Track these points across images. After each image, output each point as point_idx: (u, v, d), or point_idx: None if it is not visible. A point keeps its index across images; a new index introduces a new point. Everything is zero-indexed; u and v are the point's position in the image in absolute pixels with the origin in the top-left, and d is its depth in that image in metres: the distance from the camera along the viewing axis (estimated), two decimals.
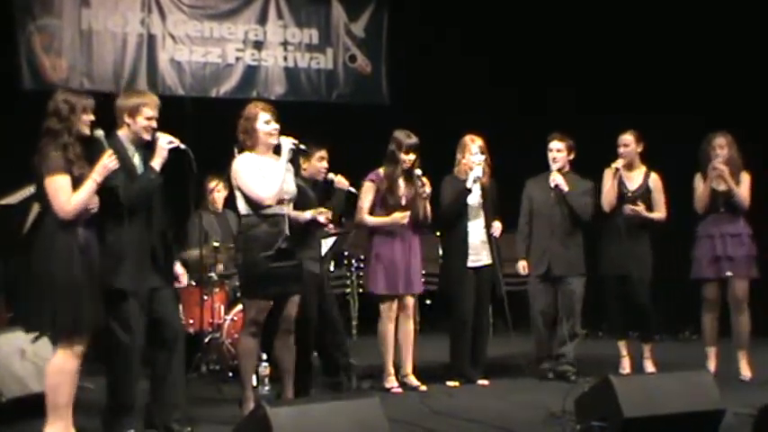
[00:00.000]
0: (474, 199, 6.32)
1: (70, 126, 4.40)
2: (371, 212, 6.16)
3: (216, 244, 6.91)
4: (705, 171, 6.41)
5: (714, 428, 4.51)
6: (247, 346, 5.21)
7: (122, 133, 4.75)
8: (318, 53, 9.62)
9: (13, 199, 5.90)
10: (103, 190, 4.47)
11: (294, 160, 5.42)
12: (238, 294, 6.45)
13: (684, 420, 4.43)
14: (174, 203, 5.10)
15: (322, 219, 5.67)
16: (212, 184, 7.19)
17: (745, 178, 6.40)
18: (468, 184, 6.23)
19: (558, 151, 6.52)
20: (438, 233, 6.89)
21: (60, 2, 8.64)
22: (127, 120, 4.73)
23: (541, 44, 9.22)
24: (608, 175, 6.54)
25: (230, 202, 6.45)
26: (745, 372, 6.36)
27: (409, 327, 6.29)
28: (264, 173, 5.13)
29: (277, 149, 5.23)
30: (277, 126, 5.21)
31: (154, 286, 4.75)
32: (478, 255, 6.35)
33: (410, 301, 6.28)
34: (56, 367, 4.40)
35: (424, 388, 6.11)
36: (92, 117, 4.49)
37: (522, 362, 6.60)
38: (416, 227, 6.22)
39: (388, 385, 6.13)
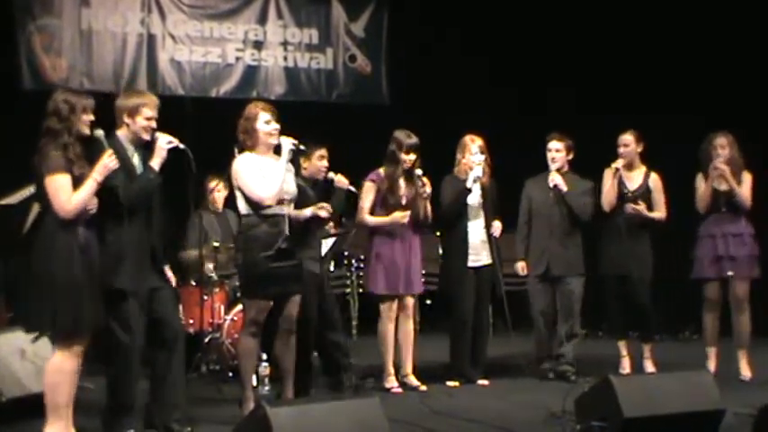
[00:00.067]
0: (474, 199, 6.32)
1: (70, 126, 4.40)
2: (372, 212, 6.16)
3: (216, 244, 6.91)
4: (706, 171, 6.41)
5: (714, 428, 4.51)
6: (247, 346, 5.21)
7: (122, 133, 4.75)
8: (318, 53, 9.62)
9: (13, 199, 5.90)
10: (103, 190, 4.47)
11: (294, 160, 5.42)
12: (238, 294, 6.45)
13: (684, 420, 4.43)
14: (174, 203, 5.11)
15: (323, 213, 5.66)
16: (212, 184, 7.19)
17: (747, 178, 6.40)
18: (468, 184, 6.23)
19: (556, 151, 6.52)
20: (438, 233, 6.89)
21: (60, 2, 8.63)
22: (126, 120, 4.73)
23: (541, 44, 9.21)
24: (608, 175, 6.54)
25: (230, 202, 6.46)
26: (745, 372, 6.36)
27: (409, 327, 6.29)
28: (265, 173, 5.13)
29: (277, 149, 5.23)
30: (277, 126, 5.22)
31: (154, 286, 4.76)
32: (478, 255, 6.35)
33: (410, 301, 6.28)
34: (55, 367, 4.40)
35: (424, 388, 6.11)
36: (92, 117, 4.49)
37: (522, 362, 6.60)
38: (417, 227, 6.22)
39: (388, 385, 6.13)
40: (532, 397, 5.77)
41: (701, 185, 6.45)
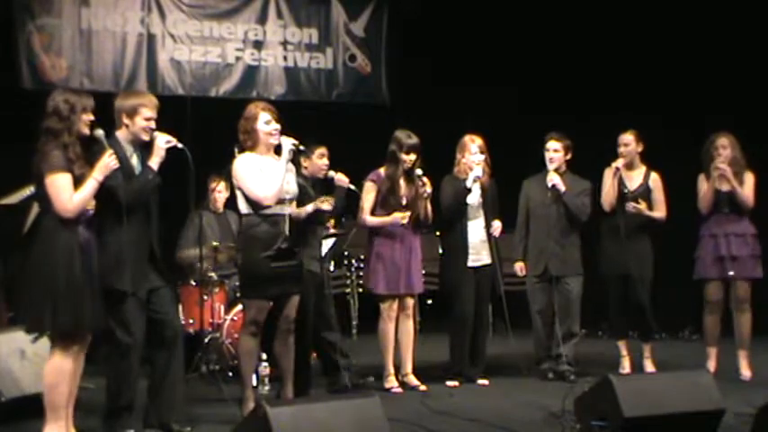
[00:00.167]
0: (474, 199, 6.32)
1: (70, 126, 4.39)
2: (372, 212, 6.16)
3: (215, 244, 6.91)
4: (708, 171, 6.40)
5: (714, 428, 4.51)
6: (247, 345, 5.21)
7: (121, 134, 4.75)
8: (318, 53, 9.62)
9: (13, 199, 5.90)
10: (102, 190, 4.47)
11: (294, 159, 5.42)
12: (238, 294, 6.45)
13: (684, 420, 4.43)
14: (174, 203, 5.11)
15: (325, 206, 5.66)
16: (214, 185, 7.19)
17: (749, 178, 6.40)
18: (468, 184, 6.23)
19: (554, 151, 6.52)
20: (438, 233, 6.89)
21: (60, 1, 8.62)
22: (125, 120, 4.73)
23: (542, 44, 9.21)
24: (608, 175, 6.54)
25: (231, 202, 6.46)
26: (745, 372, 6.36)
27: (409, 326, 6.29)
28: (265, 173, 5.13)
29: (278, 149, 5.23)
30: (277, 126, 5.22)
31: (153, 286, 4.76)
32: (478, 254, 6.35)
33: (410, 301, 6.28)
34: (54, 367, 4.40)
35: (423, 388, 6.11)
36: (91, 117, 4.49)
37: (521, 363, 6.60)
38: (417, 227, 6.22)
39: (388, 385, 6.13)
40: (532, 397, 5.77)
41: (703, 186, 6.44)
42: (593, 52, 9.02)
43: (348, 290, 8.95)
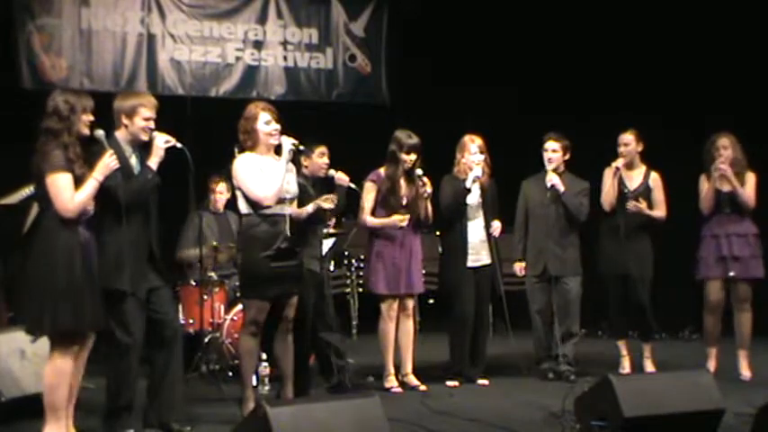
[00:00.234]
0: (473, 199, 6.32)
1: (70, 126, 4.39)
2: (372, 212, 6.16)
3: (215, 244, 6.91)
4: (709, 172, 6.40)
5: (714, 428, 4.51)
6: (247, 345, 5.21)
7: (119, 134, 4.75)
8: (318, 53, 9.61)
9: (12, 199, 5.90)
10: (101, 190, 4.47)
11: (295, 159, 5.42)
12: (238, 294, 6.45)
13: (684, 420, 4.43)
14: (173, 203, 5.11)
15: (327, 205, 5.66)
16: (214, 185, 7.19)
17: (751, 178, 6.40)
18: (468, 184, 6.22)
19: (553, 151, 6.52)
20: (438, 233, 6.89)
21: (60, 1, 8.62)
22: (124, 121, 4.74)
23: (542, 44, 9.21)
24: (608, 175, 6.54)
25: (231, 202, 6.46)
26: (745, 372, 6.36)
27: (409, 326, 6.29)
28: (265, 173, 5.13)
29: (278, 149, 5.23)
30: (278, 126, 5.22)
31: (152, 286, 4.76)
32: (478, 254, 6.34)
33: (410, 301, 6.28)
34: (53, 368, 4.39)
35: (423, 388, 6.11)
36: (91, 117, 4.49)
37: (521, 363, 6.60)
38: (418, 227, 6.22)
39: (388, 385, 6.13)
40: (532, 397, 5.77)
41: (704, 186, 6.44)
42: (593, 52, 9.01)
43: (348, 290, 8.94)
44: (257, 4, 9.38)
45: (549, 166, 6.51)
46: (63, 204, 4.32)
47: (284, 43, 9.48)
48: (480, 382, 6.31)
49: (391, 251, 6.11)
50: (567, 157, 6.57)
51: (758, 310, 6.44)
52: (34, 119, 4.48)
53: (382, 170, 6.18)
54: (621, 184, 6.53)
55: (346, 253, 8.72)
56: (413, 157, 6.12)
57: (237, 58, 9.29)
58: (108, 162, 4.47)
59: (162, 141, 4.76)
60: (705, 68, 8.57)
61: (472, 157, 6.28)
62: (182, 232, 7.11)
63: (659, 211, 6.56)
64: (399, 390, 6.11)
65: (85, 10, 8.73)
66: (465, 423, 5.13)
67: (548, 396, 5.61)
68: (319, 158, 6.05)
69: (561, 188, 6.44)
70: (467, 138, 6.40)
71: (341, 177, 6.03)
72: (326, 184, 6.07)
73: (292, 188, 5.31)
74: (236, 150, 5.28)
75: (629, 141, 6.58)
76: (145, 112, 4.74)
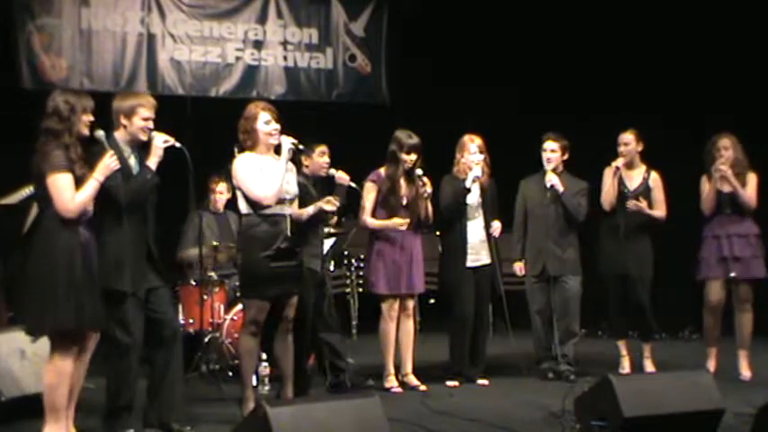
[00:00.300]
0: (473, 198, 6.32)
1: (71, 126, 4.39)
2: (373, 212, 6.16)
3: (215, 244, 6.91)
4: (710, 173, 6.40)
5: (714, 428, 4.51)
6: (247, 345, 5.21)
7: (118, 134, 4.75)
8: (318, 53, 9.62)
9: (12, 199, 5.90)
10: (100, 190, 4.47)
11: (295, 159, 5.42)
12: (238, 294, 6.45)
13: (684, 420, 4.43)
14: (173, 203, 5.11)
15: (328, 207, 5.66)
16: (214, 185, 7.19)
17: (752, 179, 6.39)
18: (467, 184, 6.22)
19: (552, 151, 6.52)
20: (438, 232, 6.89)
21: (60, 1, 8.63)
22: (123, 121, 4.74)
23: (541, 44, 9.21)
24: (608, 174, 6.54)
25: (231, 202, 6.46)
26: (745, 372, 6.36)
27: (410, 326, 6.29)
28: (265, 173, 5.13)
29: (278, 149, 5.23)
30: (277, 126, 5.22)
31: (151, 286, 4.76)
32: (478, 254, 6.34)
33: (411, 301, 6.28)
34: (53, 368, 4.39)
35: (423, 388, 6.11)
36: (91, 117, 4.49)
37: (521, 363, 6.60)
38: (418, 227, 6.22)
39: (388, 385, 6.13)
40: (532, 397, 5.77)
41: (706, 187, 6.44)
42: (592, 52, 9.01)
43: (348, 290, 8.94)
44: (257, 4, 9.39)
45: (548, 166, 6.51)
46: (64, 204, 4.32)
47: (284, 43, 9.48)
48: (480, 382, 6.31)
49: (392, 251, 6.11)
50: (565, 157, 6.57)
51: (759, 310, 6.44)
52: (34, 119, 4.48)
53: (382, 170, 6.18)
54: (621, 183, 6.53)
55: (346, 253, 8.72)
56: (413, 157, 6.12)
57: (237, 58, 9.30)
58: (109, 163, 4.47)
59: (161, 141, 4.76)
60: (705, 68, 8.57)
61: (472, 156, 6.28)
62: (182, 232, 7.11)
63: (659, 211, 6.56)
64: (399, 390, 6.11)
65: (85, 10, 8.74)
66: (465, 423, 5.13)
67: (548, 396, 5.61)
68: (320, 158, 6.05)
69: (561, 188, 6.44)
70: (466, 137, 6.40)
71: (341, 177, 6.03)
72: (327, 184, 6.07)
73: (292, 188, 5.31)
74: (235, 150, 5.29)
75: (629, 141, 6.58)
76: (143, 113, 4.74)
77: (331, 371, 6.01)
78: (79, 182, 4.37)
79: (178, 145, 4.83)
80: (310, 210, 5.62)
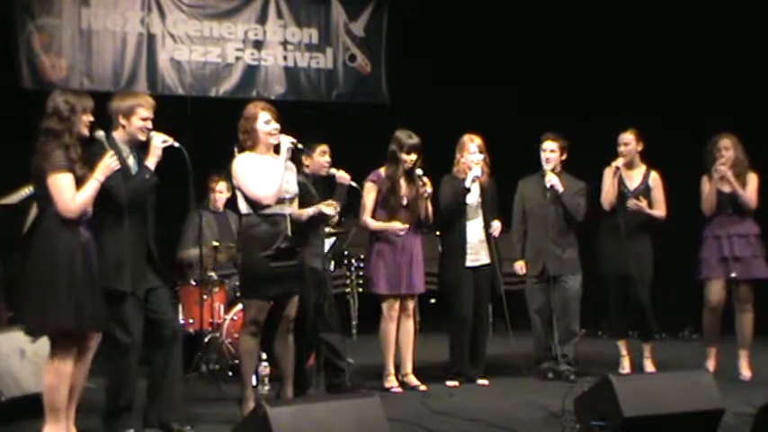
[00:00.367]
0: (473, 198, 6.32)
1: (71, 126, 4.39)
2: (373, 213, 6.16)
3: (215, 243, 6.91)
4: (711, 173, 6.40)
5: (714, 428, 4.51)
6: (247, 345, 5.21)
7: (117, 134, 4.75)
8: (318, 53, 9.62)
9: (12, 199, 5.90)
10: (101, 191, 4.47)
11: (295, 158, 5.42)
12: (238, 294, 6.45)
13: (684, 420, 4.43)
14: (173, 202, 5.11)
15: (329, 211, 5.65)
16: (214, 184, 7.19)
17: (752, 179, 6.39)
18: (467, 184, 6.22)
19: (551, 151, 6.52)
20: (438, 232, 6.89)
21: (60, 1, 8.63)
22: (122, 121, 4.74)
23: (541, 44, 9.21)
24: (608, 174, 6.54)
25: (231, 202, 6.46)
26: (745, 371, 6.36)
27: (410, 326, 6.29)
28: (265, 172, 5.13)
29: (277, 149, 5.23)
30: (277, 126, 5.22)
31: (151, 286, 4.77)
32: (477, 254, 6.34)
33: (411, 301, 6.28)
34: (53, 369, 4.38)
35: (423, 388, 6.11)
36: (91, 118, 4.49)
37: (521, 363, 6.60)
38: (418, 227, 6.22)
39: (388, 385, 6.13)
40: (532, 397, 5.77)
41: (706, 187, 6.44)
42: (592, 52, 9.02)
43: (348, 290, 8.94)
44: (257, 3, 9.39)
45: (547, 166, 6.51)
46: (64, 205, 4.32)
47: (284, 43, 9.48)
48: (480, 381, 6.31)
49: (392, 251, 6.11)
50: (564, 157, 6.57)
51: (759, 310, 6.44)
52: (34, 119, 4.48)
53: (382, 170, 6.18)
54: (621, 183, 6.53)
55: (346, 253, 8.72)
56: (413, 157, 6.12)
57: (237, 58, 9.30)
58: (109, 163, 4.47)
59: (159, 141, 4.76)
60: (705, 68, 8.57)
61: (471, 156, 6.28)
62: (182, 232, 7.12)
63: (659, 211, 6.56)
64: (399, 390, 6.11)
65: (85, 10, 8.74)
66: (465, 423, 5.13)
67: (548, 396, 5.61)
68: (320, 157, 6.04)
69: (561, 188, 6.44)
70: (466, 137, 6.40)
71: (342, 176, 6.03)
72: (328, 183, 6.06)
73: (292, 187, 5.31)
74: (235, 150, 5.29)
75: (628, 141, 6.58)
76: (142, 113, 4.74)
77: (331, 371, 6.01)
78: (79, 182, 4.37)
79: (177, 145, 4.84)
80: (310, 211, 5.62)
